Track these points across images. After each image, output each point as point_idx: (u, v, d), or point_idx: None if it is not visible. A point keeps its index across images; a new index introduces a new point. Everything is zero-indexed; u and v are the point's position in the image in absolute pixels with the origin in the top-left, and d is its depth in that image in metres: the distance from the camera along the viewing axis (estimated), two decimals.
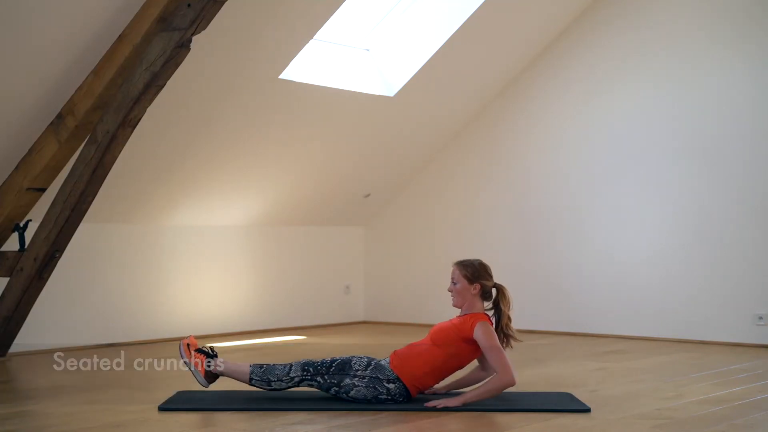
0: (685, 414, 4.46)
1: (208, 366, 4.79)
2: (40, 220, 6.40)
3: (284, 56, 7.16)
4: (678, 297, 7.70)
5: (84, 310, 7.45)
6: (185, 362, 4.83)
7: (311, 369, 4.69)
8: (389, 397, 4.63)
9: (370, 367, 4.65)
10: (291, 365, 4.73)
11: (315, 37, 7.44)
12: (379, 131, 8.60)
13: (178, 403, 4.71)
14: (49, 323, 7.18)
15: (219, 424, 4.27)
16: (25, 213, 6.59)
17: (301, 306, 9.10)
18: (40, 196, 6.53)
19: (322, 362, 4.71)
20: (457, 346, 4.65)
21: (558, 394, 4.98)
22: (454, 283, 4.75)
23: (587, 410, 4.52)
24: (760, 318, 7.28)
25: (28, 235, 6.59)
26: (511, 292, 4.81)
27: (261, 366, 4.76)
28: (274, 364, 4.77)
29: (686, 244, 7.70)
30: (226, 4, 5.87)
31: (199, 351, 4.85)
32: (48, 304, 7.06)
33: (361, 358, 4.71)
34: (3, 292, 6.54)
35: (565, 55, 8.50)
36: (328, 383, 4.66)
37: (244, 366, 4.79)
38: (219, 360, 4.82)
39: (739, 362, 6.33)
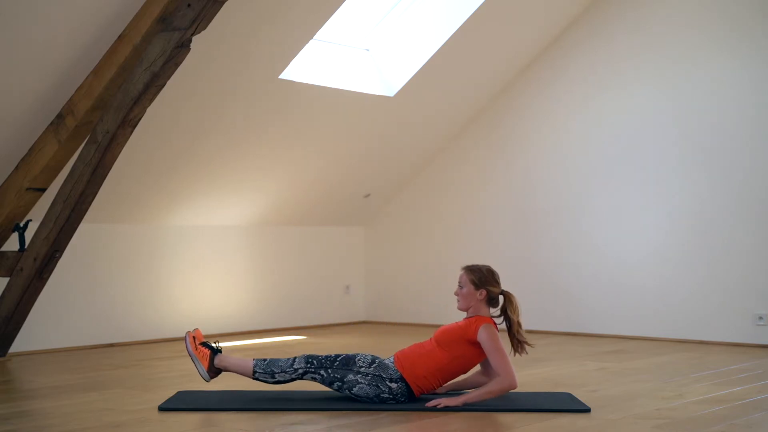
0: (685, 414, 4.46)
1: (213, 361, 4.79)
2: (40, 220, 6.40)
3: (284, 56, 7.17)
4: (678, 297, 7.70)
5: (84, 310, 7.45)
6: (190, 354, 4.84)
7: (315, 362, 4.70)
8: (391, 396, 4.63)
9: (374, 365, 4.66)
10: (295, 358, 4.75)
11: (315, 37, 7.44)
12: (379, 131, 8.60)
13: (178, 403, 4.71)
14: (49, 323, 7.18)
15: (219, 424, 4.27)
16: (25, 213, 6.59)
17: (301, 306, 9.10)
18: (40, 196, 6.53)
19: (327, 356, 4.73)
20: (462, 348, 4.65)
21: (558, 394, 4.98)
22: (460, 287, 4.76)
23: (587, 410, 4.52)
24: (760, 318, 7.28)
25: (28, 235, 6.59)
26: (511, 291, 4.81)
27: (264, 360, 4.78)
28: (277, 358, 4.79)
29: (686, 244, 7.70)
30: (226, 4, 5.87)
31: (204, 345, 4.86)
32: (48, 304, 7.07)
33: (365, 355, 4.72)
34: (3, 292, 6.54)
35: (565, 55, 8.51)
36: (331, 377, 4.67)
37: (247, 361, 4.80)
38: (223, 356, 4.83)
39: (739, 362, 6.33)
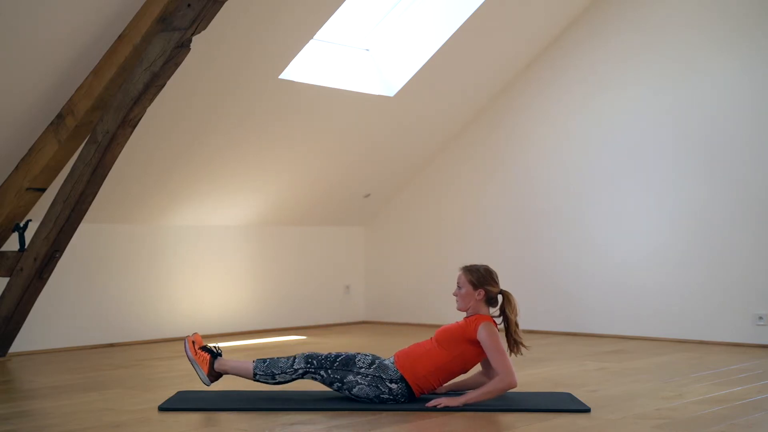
0: (685, 414, 4.46)
1: (213, 365, 4.80)
2: (40, 220, 6.40)
3: (284, 56, 7.17)
4: (678, 297, 7.70)
5: (84, 310, 7.45)
6: (189, 359, 4.84)
7: (315, 362, 4.70)
8: (391, 397, 4.63)
9: (374, 366, 4.65)
10: (294, 357, 4.74)
11: (315, 37, 7.44)
12: (379, 131, 8.60)
13: (178, 403, 4.71)
14: (49, 323, 7.18)
15: (219, 424, 4.27)
16: (25, 213, 6.59)
17: (301, 306, 9.10)
18: (40, 196, 6.53)
19: (327, 356, 4.73)
20: (462, 348, 4.66)
21: (558, 394, 4.98)
22: (459, 287, 4.76)
23: (587, 410, 4.52)
24: (760, 318, 7.28)
25: (28, 235, 6.59)
26: (511, 291, 4.81)
27: (264, 360, 4.78)
28: (277, 358, 4.79)
29: (686, 243, 7.70)
30: (226, 4, 5.87)
31: (204, 349, 4.85)
32: (48, 304, 7.07)
33: (366, 355, 4.72)
34: (3, 292, 6.54)
35: (565, 55, 8.50)
36: (331, 378, 4.67)
37: (247, 363, 4.81)
38: (222, 359, 4.84)
39: (739, 362, 6.33)
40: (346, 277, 9.58)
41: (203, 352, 4.84)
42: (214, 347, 4.91)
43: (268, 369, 4.74)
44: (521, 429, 4.15)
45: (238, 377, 4.88)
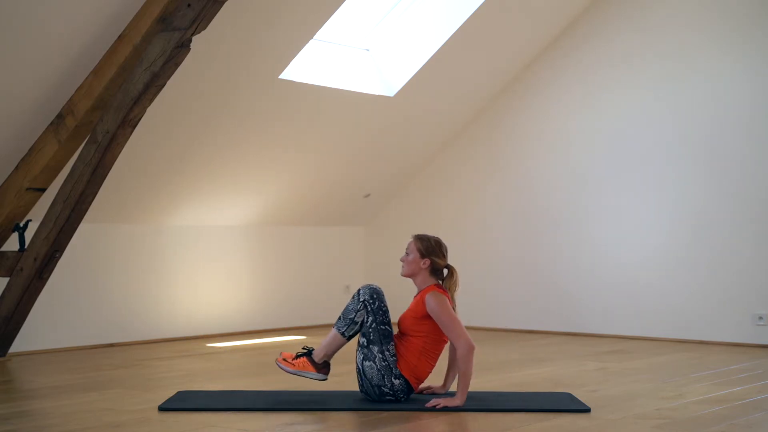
0: (685, 414, 4.46)
1: (314, 361, 4.75)
2: (40, 220, 6.40)
3: (284, 56, 7.17)
4: (678, 297, 7.70)
5: (84, 310, 7.45)
6: (295, 374, 4.78)
7: (375, 303, 4.67)
8: (391, 393, 4.65)
9: (393, 358, 4.66)
10: (359, 290, 4.74)
11: (315, 37, 7.44)
12: (379, 131, 8.60)
13: (178, 403, 4.71)
14: (49, 323, 7.18)
15: (219, 424, 4.27)
16: (25, 213, 6.59)
17: (301, 306, 9.10)
18: (40, 196, 6.53)
19: (385, 310, 4.70)
20: (424, 326, 4.72)
21: (558, 394, 4.98)
22: (407, 253, 4.86)
23: (587, 410, 4.52)
24: (760, 318, 7.28)
25: (28, 235, 6.59)
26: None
27: (338, 318, 4.75)
28: (345, 306, 4.76)
29: (686, 244, 7.70)
30: (226, 4, 5.87)
31: (297, 356, 4.82)
32: (48, 304, 7.07)
33: (395, 345, 4.71)
34: (3, 292, 6.54)
35: (565, 55, 8.50)
36: (369, 331, 4.66)
37: (330, 334, 4.76)
38: (315, 351, 4.79)
39: (739, 362, 6.33)
40: (346, 277, 9.58)
41: (298, 360, 4.80)
42: (303, 348, 4.87)
43: (345, 318, 4.71)
44: (521, 429, 4.15)
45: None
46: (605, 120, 8.23)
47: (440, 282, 4.83)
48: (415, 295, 4.85)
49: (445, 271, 4.85)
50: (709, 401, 4.81)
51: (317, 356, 4.78)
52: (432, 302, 4.66)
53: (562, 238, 8.44)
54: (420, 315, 4.71)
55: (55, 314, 7.23)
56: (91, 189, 6.19)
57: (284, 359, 4.82)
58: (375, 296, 4.72)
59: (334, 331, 4.76)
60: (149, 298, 7.91)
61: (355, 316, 4.71)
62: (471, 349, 4.58)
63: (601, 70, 8.28)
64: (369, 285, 4.79)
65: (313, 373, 4.77)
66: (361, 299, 4.71)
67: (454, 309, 4.74)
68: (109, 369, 6.23)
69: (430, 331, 4.72)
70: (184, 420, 4.38)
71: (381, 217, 9.75)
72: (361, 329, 4.72)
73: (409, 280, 4.92)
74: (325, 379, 4.82)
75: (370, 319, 4.68)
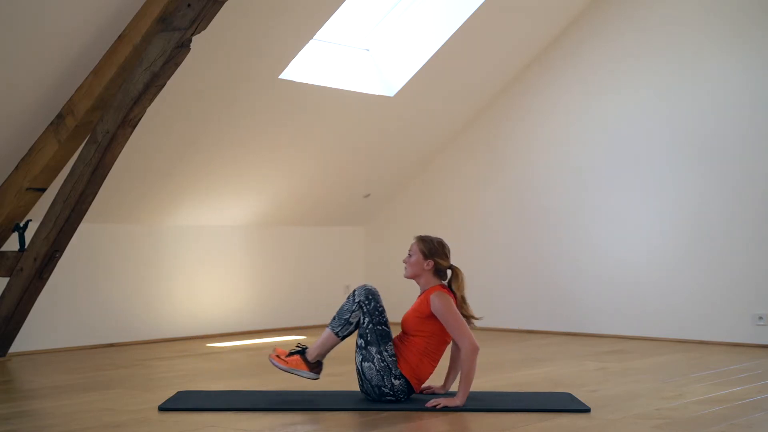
0: (685, 414, 4.47)
1: (307, 360, 4.75)
2: (40, 220, 6.40)
3: (284, 56, 7.17)
4: (678, 297, 7.70)
5: (84, 310, 7.44)
6: (286, 371, 4.78)
7: (371, 303, 4.68)
8: (392, 394, 4.65)
9: (392, 358, 4.66)
10: (354, 291, 4.73)
11: (315, 37, 7.44)
12: (379, 131, 8.60)
13: (178, 403, 4.71)
14: (49, 323, 7.18)
15: (219, 424, 4.27)
16: (25, 213, 6.59)
17: (301, 306, 9.10)
18: (40, 196, 6.53)
19: (381, 310, 4.70)
20: (428, 326, 4.71)
21: (558, 394, 4.98)
22: (410, 255, 4.87)
23: (587, 410, 4.52)
24: (760, 318, 7.28)
25: (28, 235, 6.59)
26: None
27: (333, 318, 4.75)
28: (339, 308, 4.75)
29: (686, 244, 7.70)
30: (226, 4, 5.87)
31: (291, 353, 4.82)
32: (48, 304, 7.07)
33: (394, 344, 4.71)
34: (3, 292, 6.54)
35: (565, 55, 8.50)
36: (366, 332, 4.66)
37: (324, 334, 4.75)
38: (309, 349, 4.78)
39: (739, 362, 6.33)
40: (346, 277, 9.58)
41: (292, 357, 4.79)
42: (297, 346, 4.87)
43: (340, 318, 4.71)
44: (521, 429, 4.15)
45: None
46: (605, 120, 8.23)
47: (444, 283, 4.83)
48: (418, 295, 4.84)
49: (449, 272, 4.84)
50: (709, 401, 4.81)
51: (310, 355, 4.78)
52: (437, 302, 4.66)
53: (562, 238, 8.44)
54: (424, 314, 4.71)
55: (55, 314, 7.23)
56: (91, 189, 6.19)
57: (277, 356, 4.82)
58: (370, 297, 4.72)
59: (328, 330, 4.75)
60: (149, 298, 7.91)
61: (350, 316, 4.71)
62: (475, 350, 4.58)
63: (601, 70, 8.28)
64: (364, 285, 4.79)
65: (306, 372, 4.77)
66: (357, 300, 4.71)
67: (464, 305, 4.74)
68: (109, 369, 6.23)
69: (433, 331, 4.71)
70: (184, 420, 4.38)
71: (381, 217, 9.75)
72: (356, 330, 4.72)
73: (410, 280, 4.93)
74: (317, 378, 4.82)
75: (367, 320, 4.68)
